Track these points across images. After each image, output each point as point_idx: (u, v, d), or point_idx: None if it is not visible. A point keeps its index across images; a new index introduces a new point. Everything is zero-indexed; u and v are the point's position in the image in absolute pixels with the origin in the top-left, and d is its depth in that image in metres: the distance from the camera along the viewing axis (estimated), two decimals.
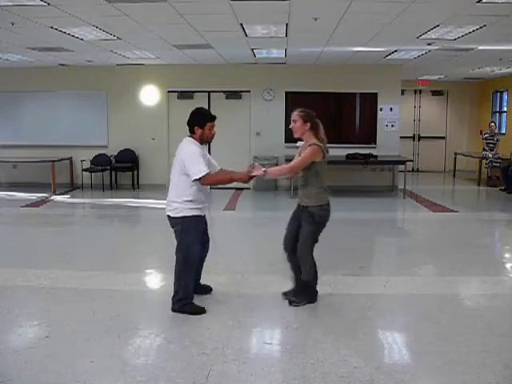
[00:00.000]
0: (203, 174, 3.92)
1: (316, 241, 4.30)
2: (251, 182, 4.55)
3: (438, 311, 4.25)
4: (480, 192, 11.54)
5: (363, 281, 5.09)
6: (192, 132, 4.12)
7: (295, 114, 4.21)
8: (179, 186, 4.06)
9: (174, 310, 4.16)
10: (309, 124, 4.17)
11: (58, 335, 3.74)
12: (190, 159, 3.97)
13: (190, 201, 4.04)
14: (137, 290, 4.82)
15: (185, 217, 4.04)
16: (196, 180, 3.96)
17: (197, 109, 4.24)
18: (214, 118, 4.15)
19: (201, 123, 4.08)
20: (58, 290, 4.71)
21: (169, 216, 4.13)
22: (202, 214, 4.20)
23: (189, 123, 4.13)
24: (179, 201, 4.05)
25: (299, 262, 4.32)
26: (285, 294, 4.45)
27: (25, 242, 6.85)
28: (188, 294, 4.15)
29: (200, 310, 4.13)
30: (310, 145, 4.13)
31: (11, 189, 11.00)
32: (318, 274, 4.38)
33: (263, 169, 4.12)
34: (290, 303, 4.31)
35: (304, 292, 4.34)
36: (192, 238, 4.10)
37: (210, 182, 4.03)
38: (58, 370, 3.21)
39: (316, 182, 4.19)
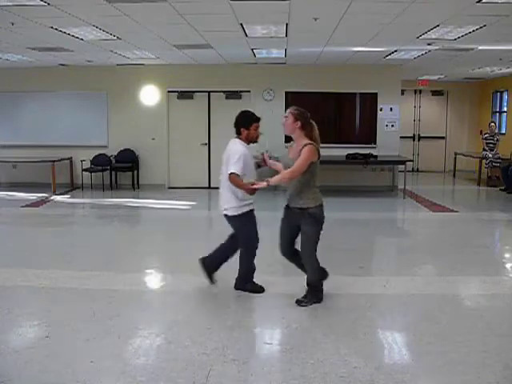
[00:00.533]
0: (234, 171, 4.24)
1: (318, 241, 4.30)
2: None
3: (438, 311, 4.25)
4: (480, 192, 11.53)
5: (363, 281, 5.09)
6: (238, 133, 4.43)
7: (288, 111, 4.25)
8: (232, 186, 4.32)
9: (236, 288, 4.63)
10: (299, 123, 4.15)
11: (57, 335, 3.74)
12: (233, 156, 4.29)
13: (244, 199, 4.39)
14: (137, 290, 4.81)
15: (243, 214, 4.43)
16: (229, 174, 4.25)
17: (242, 112, 4.52)
18: (258, 120, 4.43)
19: (246, 124, 4.38)
20: (57, 290, 4.71)
21: (226, 215, 4.50)
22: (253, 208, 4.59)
23: (235, 125, 4.44)
24: (236, 200, 4.38)
25: (304, 265, 4.32)
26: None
27: (25, 242, 6.85)
28: (250, 276, 4.61)
29: (259, 289, 4.58)
30: (305, 145, 4.09)
31: (11, 189, 11.00)
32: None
33: (266, 179, 4.23)
34: (298, 303, 4.30)
35: (312, 292, 4.33)
36: (251, 228, 4.52)
37: (233, 182, 4.28)
38: (58, 369, 3.21)
39: (313, 183, 4.20)
